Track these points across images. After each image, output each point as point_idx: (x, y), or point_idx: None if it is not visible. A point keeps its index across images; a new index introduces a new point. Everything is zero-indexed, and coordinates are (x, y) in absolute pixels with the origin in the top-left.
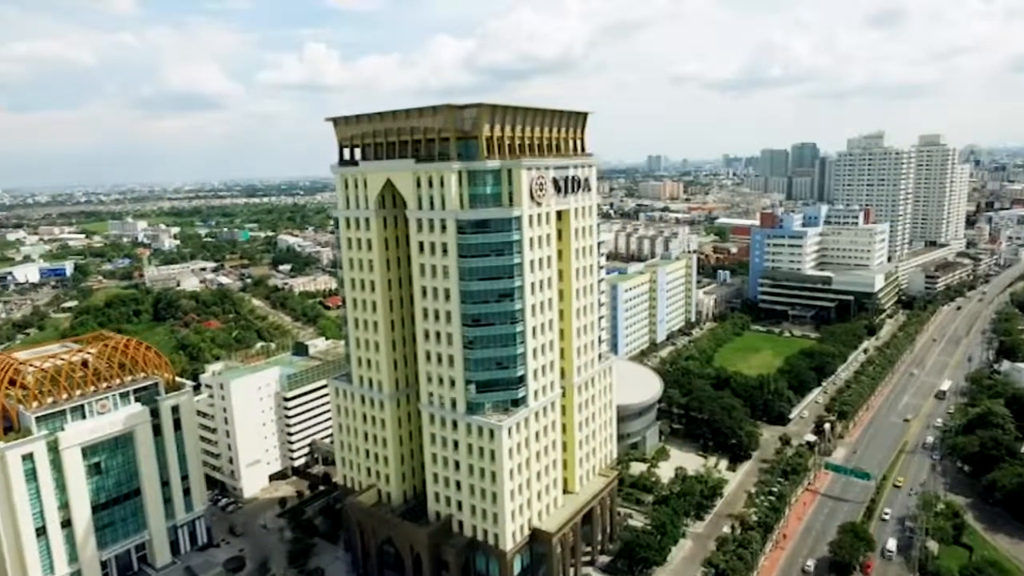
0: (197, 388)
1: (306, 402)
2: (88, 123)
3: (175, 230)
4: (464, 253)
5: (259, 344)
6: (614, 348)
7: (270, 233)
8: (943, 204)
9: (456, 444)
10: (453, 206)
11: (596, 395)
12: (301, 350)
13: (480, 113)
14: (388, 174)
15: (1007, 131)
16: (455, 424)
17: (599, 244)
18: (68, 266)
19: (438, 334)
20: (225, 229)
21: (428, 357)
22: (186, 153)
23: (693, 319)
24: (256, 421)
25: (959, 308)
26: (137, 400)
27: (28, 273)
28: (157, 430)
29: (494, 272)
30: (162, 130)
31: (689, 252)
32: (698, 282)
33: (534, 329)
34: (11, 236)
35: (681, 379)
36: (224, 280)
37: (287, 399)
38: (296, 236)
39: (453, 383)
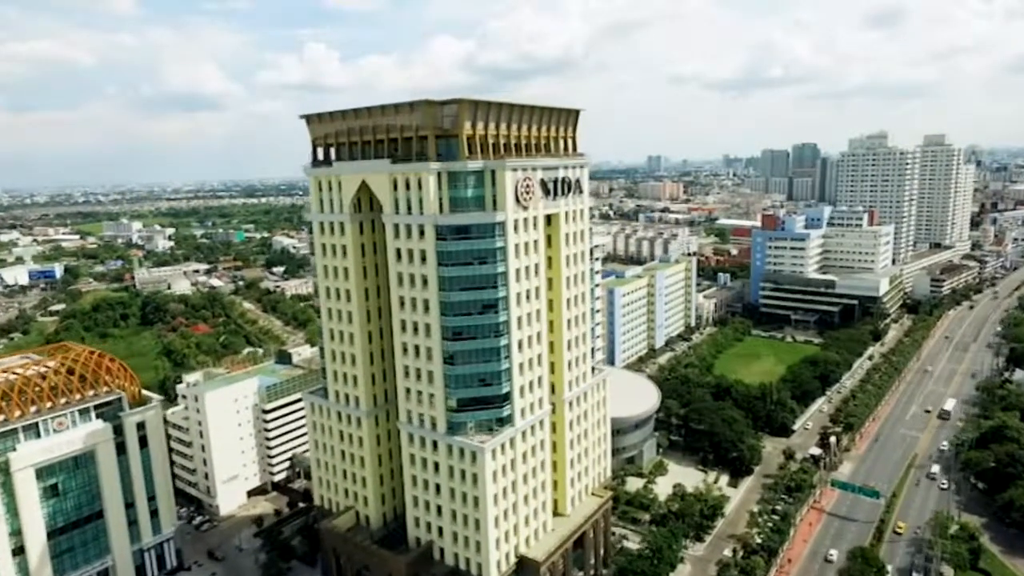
0: (175, 399)
1: (286, 414)
2: (88, 123)
3: (170, 231)
4: (444, 261)
5: (246, 350)
6: (611, 355)
7: (266, 234)
8: (948, 205)
9: (437, 466)
10: (432, 210)
11: (589, 410)
12: (284, 358)
13: (460, 109)
14: (363, 175)
15: (1008, 131)
16: (435, 445)
17: (593, 249)
18: (58, 268)
19: (417, 348)
20: (221, 230)
21: (407, 372)
22: (186, 153)
23: (693, 324)
24: (233, 435)
25: (971, 308)
26: (99, 416)
27: (17, 275)
28: (121, 448)
29: (476, 281)
30: (162, 130)
31: (689, 254)
32: (698, 285)
33: (520, 343)
34: (5, 237)
35: (680, 388)
36: (216, 283)
37: (266, 411)
38: (292, 237)
39: (433, 401)
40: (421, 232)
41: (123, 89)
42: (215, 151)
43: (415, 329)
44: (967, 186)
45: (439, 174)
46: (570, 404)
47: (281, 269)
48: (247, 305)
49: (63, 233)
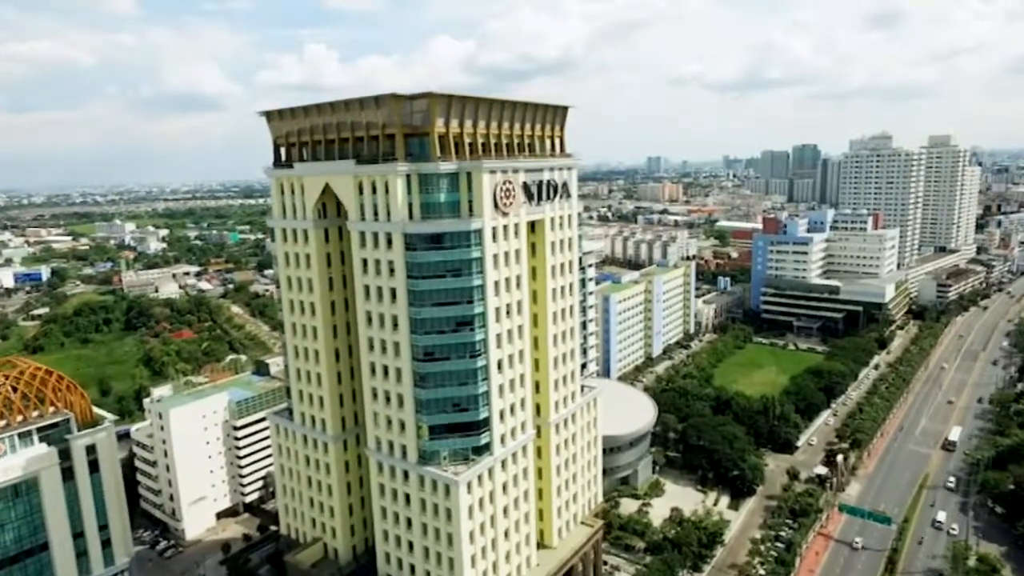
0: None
1: (259, 431)
2: (88, 124)
3: (163, 232)
4: (414, 273)
5: (229, 357)
6: (606, 365)
7: (261, 235)
8: (953, 208)
9: (408, 498)
10: (400, 216)
11: (578, 433)
12: (262, 369)
13: (432, 105)
14: (327, 178)
15: (1008, 132)
16: (406, 475)
17: (582, 258)
18: (44, 271)
19: (385, 369)
20: (215, 231)
21: (375, 395)
22: (185, 154)
23: (692, 331)
24: (201, 453)
25: (985, 308)
26: (43, 440)
27: (2, 278)
28: (68, 474)
29: (450, 296)
30: (162, 131)
31: (688, 258)
32: (697, 289)
33: (500, 363)
34: None
35: (678, 401)
36: (205, 286)
37: (237, 428)
38: None
39: (403, 427)
40: (389, 241)
41: (123, 89)
42: (215, 151)
43: (383, 348)
44: (972, 188)
45: (408, 177)
46: (557, 427)
47: (273, 271)
48: (235, 309)
49: (55, 234)
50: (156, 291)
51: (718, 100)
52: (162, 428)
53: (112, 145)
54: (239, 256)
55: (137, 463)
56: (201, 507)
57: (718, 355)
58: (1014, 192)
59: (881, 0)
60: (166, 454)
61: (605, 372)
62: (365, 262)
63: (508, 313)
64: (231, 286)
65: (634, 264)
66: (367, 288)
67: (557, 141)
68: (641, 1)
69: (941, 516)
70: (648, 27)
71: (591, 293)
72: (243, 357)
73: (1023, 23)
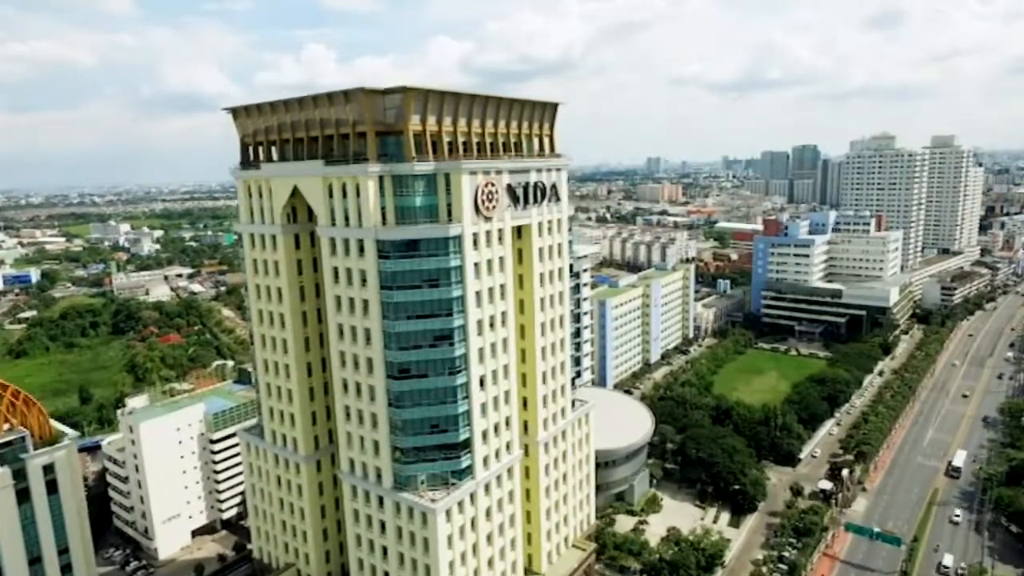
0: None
1: (237, 444)
2: (87, 124)
3: (158, 233)
4: (387, 283)
5: (216, 363)
6: (602, 372)
7: None
8: (957, 209)
9: (383, 526)
10: (372, 222)
11: (569, 451)
12: (245, 378)
13: (406, 100)
14: (295, 180)
15: (1007, 133)
16: (381, 501)
17: (573, 264)
18: (34, 273)
19: (358, 386)
20: (210, 232)
21: (348, 414)
22: (186, 154)
23: (691, 336)
24: (175, 468)
25: (992, 311)
26: None
27: None
28: (24, 495)
29: (427, 308)
30: (162, 131)
31: (687, 260)
32: (696, 292)
33: (483, 379)
34: None
35: (676, 411)
36: (197, 288)
37: (213, 441)
38: None
39: (378, 449)
40: (360, 248)
41: (122, 90)
42: (214, 152)
43: (355, 364)
44: (976, 189)
45: (381, 178)
46: (546, 446)
47: None
48: (226, 312)
49: (50, 235)
50: (147, 294)
51: (718, 100)
52: (133, 442)
53: (111, 145)
54: (233, 258)
55: (109, 478)
56: (175, 525)
57: (718, 361)
58: (1015, 193)
59: (881, 1)
60: (137, 470)
61: (601, 379)
62: (336, 271)
63: (491, 325)
64: (223, 288)
65: (632, 266)
66: (338, 299)
67: (546, 140)
68: (641, 1)
69: (947, 561)
70: (648, 27)
71: (585, 299)
72: (230, 363)
73: (1021, 24)
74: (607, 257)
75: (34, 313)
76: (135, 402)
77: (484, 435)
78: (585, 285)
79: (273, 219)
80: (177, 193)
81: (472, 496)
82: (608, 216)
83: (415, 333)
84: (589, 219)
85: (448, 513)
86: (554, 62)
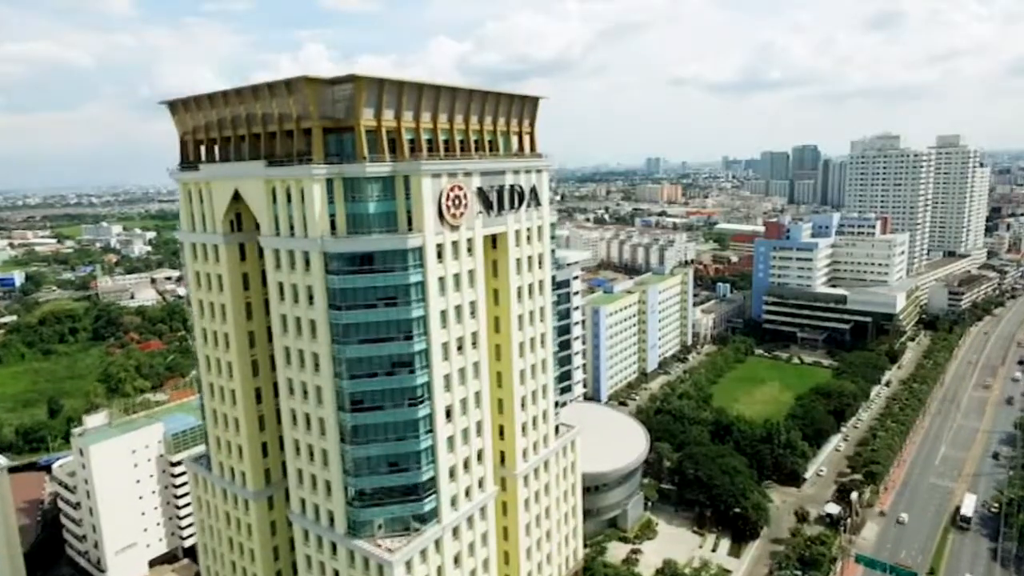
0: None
1: None
2: (86, 124)
3: (151, 235)
4: (337, 302)
5: (193, 372)
6: (596, 383)
7: None
8: (963, 211)
9: (337, 575)
10: (319, 231)
11: (552, 482)
12: None
13: (357, 90)
14: (235, 182)
15: (1007, 134)
16: (334, 547)
17: (563, 270)
18: (18, 275)
19: (308, 418)
20: None
21: (297, 449)
22: None
23: (689, 342)
24: (131, 494)
25: (1001, 316)
26: None
27: None
28: None
29: (383, 330)
30: (161, 131)
31: (686, 263)
32: (695, 296)
33: (449, 410)
34: None
35: (672, 426)
36: (185, 291)
37: (174, 463)
38: None
39: (330, 489)
40: (307, 261)
41: (121, 90)
42: None
43: (304, 393)
44: (982, 190)
45: (329, 181)
46: (525, 479)
47: None
48: None
49: (41, 236)
50: (132, 297)
51: (717, 101)
52: (84, 466)
53: (111, 146)
54: None
55: (60, 504)
56: (131, 555)
57: (717, 370)
58: (1019, 194)
59: (880, 1)
60: (89, 496)
61: (595, 391)
62: (281, 287)
63: (460, 348)
64: None
65: (630, 268)
66: (284, 319)
67: (526, 138)
68: (641, 2)
69: (972, 562)
70: (647, 27)
71: (577, 308)
72: None
73: (1021, 25)
74: (605, 259)
75: (14, 318)
76: (93, 420)
77: (452, 472)
78: (576, 293)
79: (215, 227)
80: (175, 193)
81: (438, 543)
82: (606, 217)
83: (369, 359)
84: (587, 220)
85: (408, 564)
86: (554, 62)
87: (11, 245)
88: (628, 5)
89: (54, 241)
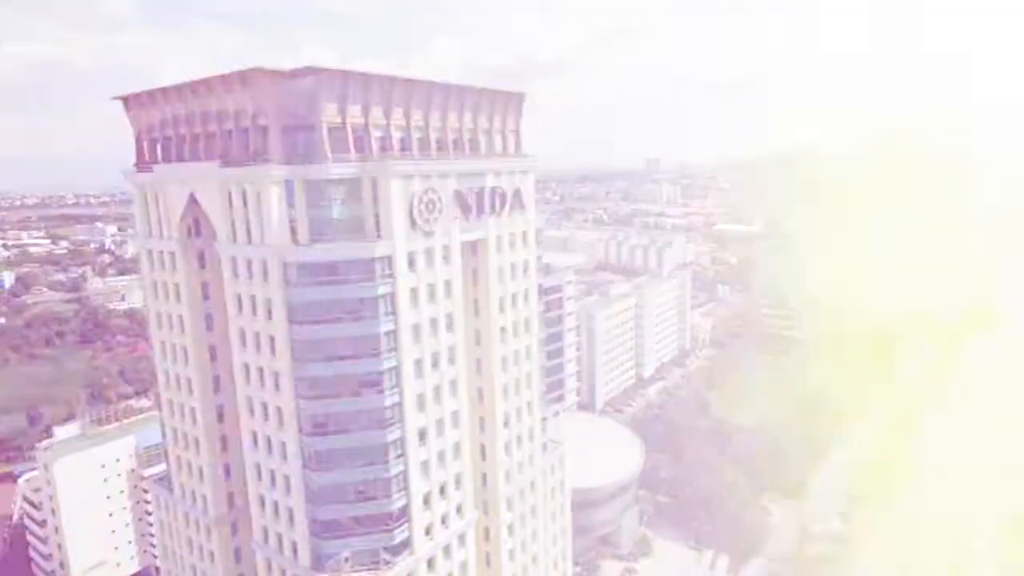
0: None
1: None
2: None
3: None
4: (297, 316)
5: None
6: (591, 390)
7: None
8: None
9: None
10: (278, 239)
11: (539, 504)
12: None
13: (319, 84)
14: (190, 185)
15: None
16: None
17: (552, 276)
18: (7, 277)
19: (268, 441)
20: None
21: (259, 473)
22: None
23: (688, 346)
24: (100, 510)
25: None
26: None
27: None
28: None
29: (349, 346)
30: None
31: (685, 265)
32: (694, 298)
33: (423, 432)
34: None
35: (669, 436)
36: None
37: (145, 478)
38: None
39: (293, 518)
40: (264, 271)
41: (121, 90)
42: None
43: (264, 413)
44: None
45: (289, 183)
46: (509, 501)
47: None
48: None
49: (36, 237)
50: (123, 299)
51: (718, 101)
52: (49, 482)
53: (110, 146)
54: None
55: (26, 521)
56: (100, 574)
57: (716, 375)
58: None
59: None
60: (54, 513)
61: (590, 398)
62: (239, 298)
63: (435, 365)
64: None
65: (628, 270)
66: (242, 332)
67: (510, 137)
68: (641, 2)
69: None
70: (647, 28)
71: (570, 314)
72: None
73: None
74: (603, 260)
75: (1, 321)
76: (65, 431)
77: (426, 499)
78: (570, 299)
79: (171, 232)
80: None
81: None
82: (605, 218)
83: (334, 378)
84: (585, 220)
85: None
86: (554, 62)
87: (4, 246)
88: (628, 4)
89: (48, 242)
